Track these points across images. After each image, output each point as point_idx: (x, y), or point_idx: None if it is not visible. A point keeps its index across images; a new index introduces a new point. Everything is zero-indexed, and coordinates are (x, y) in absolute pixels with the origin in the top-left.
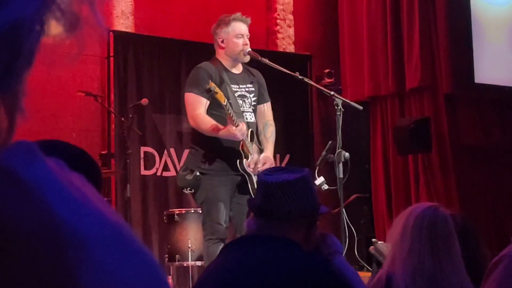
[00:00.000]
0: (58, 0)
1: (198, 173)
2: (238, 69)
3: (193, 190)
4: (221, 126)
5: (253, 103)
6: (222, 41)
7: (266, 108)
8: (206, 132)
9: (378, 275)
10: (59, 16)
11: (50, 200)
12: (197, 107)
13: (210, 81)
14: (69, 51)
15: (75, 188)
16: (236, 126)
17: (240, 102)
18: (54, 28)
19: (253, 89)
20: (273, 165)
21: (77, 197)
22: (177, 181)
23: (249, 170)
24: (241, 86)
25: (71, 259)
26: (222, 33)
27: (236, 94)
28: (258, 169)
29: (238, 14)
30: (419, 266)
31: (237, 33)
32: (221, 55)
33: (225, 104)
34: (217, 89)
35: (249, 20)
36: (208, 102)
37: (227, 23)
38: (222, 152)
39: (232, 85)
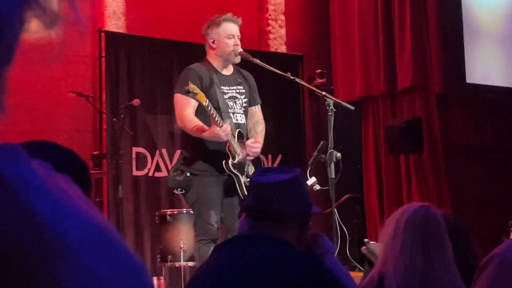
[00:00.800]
0: None
1: (188, 174)
2: (229, 71)
3: (183, 191)
4: (205, 127)
5: (244, 105)
6: (213, 42)
7: (257, 109)
8: (191, 132)
9: (370, 275)
10: (39, 13)
11: (34, 201)
12: (185, 108)
13: (190, 82)
14: (53, 50)
15: (60, 190)
16: (220, 127)
17: (231, 103)
18: (35, 25)
19: (243, 90)
20: (259, 150)
21: (62, 199)
22: (167, 181)
23: (243, 155)
24: (231, 87)
25: (55, 261)
26: (213, 34)
27: (226, 96)
28: (248, 150)
29: (229, 15)
30: (410, 266)
31: (228, 34)
32: (211, 56)
33: (206, 104)
34: (196, 90)
35: (240, 20)
36: (197, 103)
37: (218, 24)
38: (211, 153)
39: (222, 87)
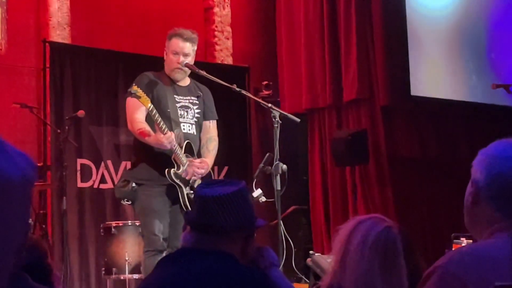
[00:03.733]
0: None
1: (134, 184)
2: (184, 82)
3: (130, 202)
4: (151, 132)
5: (196, 115)
6: (165, 54)
7: (212, 125)
8: (138, 136)
9: (327, 282)
10: None
11: None
12: (135, 111)
13: (134, 84)
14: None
15: None
16: (164, 134)
17: (182, 112)
18: None
19: (197, 102)
20: (208, 171)
21: None
22: (115, 192)
23: (184, 175)
24: (185, 97)
25: None
26: (166, 46)
27: (178, 105)
28: (194, 171)
29: (182, 31)
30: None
31: (172, 50)
32: (165, 68)
33: (150, 109)
34: (139, 93)
35: (192, 36)
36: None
37: (170, 38)
38: (157, 162)
39: (175, 95)
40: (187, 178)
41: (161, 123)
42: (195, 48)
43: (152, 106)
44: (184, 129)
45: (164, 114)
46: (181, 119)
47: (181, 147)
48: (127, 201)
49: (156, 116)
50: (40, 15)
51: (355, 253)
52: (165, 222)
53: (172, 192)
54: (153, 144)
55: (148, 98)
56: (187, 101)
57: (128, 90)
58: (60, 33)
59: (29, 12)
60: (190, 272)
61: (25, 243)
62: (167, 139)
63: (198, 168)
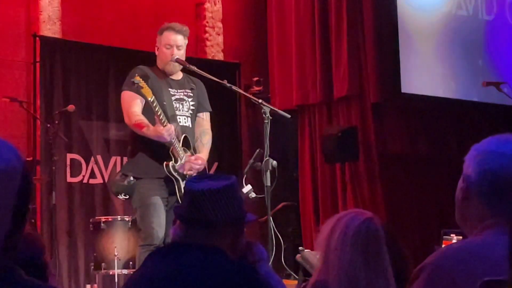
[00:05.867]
0: None
1: (131, 178)
2: (177, 76)
3: (127, 196)
4: (150, 125)
5: (191, 107)
6: (157, 49)
7: (205, 117)
8: (135, 128)
9: (311, 281)
10: None
11: None
12: (132, 104)
13: (136, 75)
14: None
15: None
16: (164, 126)
17: (177, 105)
18: None
19: (191, 94)
20: (203, 166)
21: None
22: (112, 187)
23: (180, 170)
24: (179, 90)
25: None
26: (157, 41)
27: (173, 98)
28: (190, 166)
29: (173, 24)
30: (354, 279)
31: (165, 43)
32: (157, 62)
33: (151, 100)
34: (142, 83)
35: (183, 29)
36: (144, 101)
37: (161, 32)
38: (155, 156)
39: (169, 89)
40: (184, 173)
41: (161, 115)
42: (187, 41)
43: (153, 97)
44: (180, 122)
45: (161, 107)
46: (177, 112)
47: (179, 140)
48: (124, 195)
49: (157, 108)
50: (30, 9)
51: (336, 249)
52: (163, 216)
53: (169, 186)
54: (151, 137)
55: (150, 89)
56: (182, 93)
57: (131, 80)
58: (50, 28)
59: (19, 6)
60: (179, 266)
61: (14, 229)
62: (167, 131)
63: (193, 163)
